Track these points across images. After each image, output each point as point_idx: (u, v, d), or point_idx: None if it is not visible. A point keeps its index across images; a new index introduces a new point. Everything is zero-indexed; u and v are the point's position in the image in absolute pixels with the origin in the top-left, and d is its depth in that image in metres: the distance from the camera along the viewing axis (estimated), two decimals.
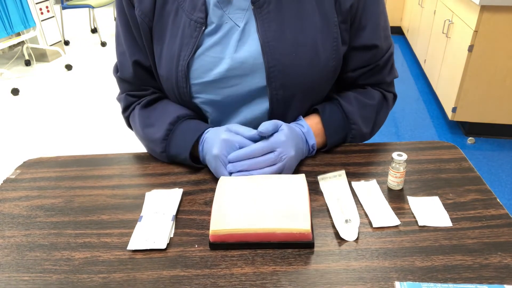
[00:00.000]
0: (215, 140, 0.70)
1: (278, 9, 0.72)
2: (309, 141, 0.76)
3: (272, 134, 0.68)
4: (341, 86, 0.86)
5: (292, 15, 0.72)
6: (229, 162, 0.68)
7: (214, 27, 0.74)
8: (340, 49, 0.76)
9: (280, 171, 0.68)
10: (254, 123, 0.78)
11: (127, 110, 0.86)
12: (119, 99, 0.87)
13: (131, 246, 0.58)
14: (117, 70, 0.86)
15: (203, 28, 0.73)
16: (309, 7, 0.73)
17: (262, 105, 0.77)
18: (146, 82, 0.83)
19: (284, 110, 0.77)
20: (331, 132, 0.78)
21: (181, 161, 0.76)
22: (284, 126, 0.70)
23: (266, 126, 0.67)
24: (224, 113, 0.79)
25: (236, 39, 0.73)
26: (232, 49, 0.73)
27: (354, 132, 0.79)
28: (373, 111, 0.82)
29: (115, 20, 5.64)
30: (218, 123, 0.81)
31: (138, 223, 0.62)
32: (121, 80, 0.85)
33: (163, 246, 0.58)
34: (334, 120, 0.78)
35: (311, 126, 0.77)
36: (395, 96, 0.89)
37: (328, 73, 0.76)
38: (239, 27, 0.73)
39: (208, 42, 0.74)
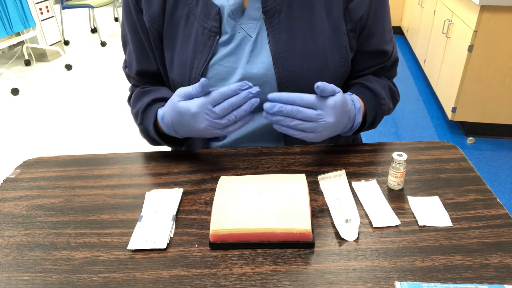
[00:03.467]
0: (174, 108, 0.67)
1: (288, 19, 0.73)
2: (357, 119, 0.74)
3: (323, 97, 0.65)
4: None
5: (302, 25, 0.73)
6: (268, 101, 0.64)
7: (228, 37, 0.74)
8: (349, 56, 0.77)
9: (311, 131, 0.65)
10: (264, 133, 0.78)
11: (130, 98, 0.87)
12: (129, 88, 0.90)
13: (131, 246, 0.58)
14: (125, 65, 0.88)
15: (217, 37, 0.74)
16: (319, 16, 0.73)
17: None
18: (152, 83, 0.85)
19: None
20: (369, 110, 0.77)
21: (153, 137, 0.76)
22: (340, 94, 0.66)
23: (325, 85, 0.64)
24: None
25: (249, 50, 0.74)
26: (245, 60, 0.74)
27: (384, 107, 0.79)
28: (389, 89, 0.82)
29: (115, 20, 5.66)
30: None
31: (138, 223, 0.62)
32: (129, 76, 0.88)
33: (163, 246, 0.58)
34: (368, 98, 0.78)
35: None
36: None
37: (337, 79, 0.77)
38: (252, 37, 0.74)
39: (222, 51, 0.74)
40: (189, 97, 0.66)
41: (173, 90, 0.80)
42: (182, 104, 0.66)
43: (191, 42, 0.75)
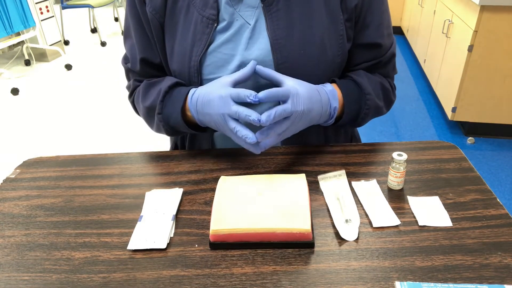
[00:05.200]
0: (212, 98, 0.69)
1: (286, 7, 0.73)
2: (332, 102, 0.74)
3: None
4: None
5: (300, 13, 0.74)
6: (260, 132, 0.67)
7: (226, 25, 0.75)
8: (346, 46, 0.78)
9: (286, 127, 0.67)
10: None
11: (132, 94, 0.87)
12: (127, 86, 0.89)
13: (131, 246, 0.58)
14: (126, 61, 0.87)
15: (215, 25, 0.74)
16: (316, 5, 0.74)
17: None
18: (155, 75, 0.84)
19: None
20: (349, 99, 0.76)
21: (176, 124, 0.75)
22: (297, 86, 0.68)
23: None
24: None
25: (247, 37, 0.75)
26: (243, 46, 0.75)
27: (369, 103, 0.77)
28: (381, 87, 0.82)
29: (115, 20, 5.65)
30: None
31: (138, 223, 0.62)
32: (130, 70, 0.87)
33: (163, 246, 0.58)
34: (349, 88, 0.77)
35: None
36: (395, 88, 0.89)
37: (334, 69, 0.78)
38: (250, 25, 0.75)
39: (220, 39, 0.75)
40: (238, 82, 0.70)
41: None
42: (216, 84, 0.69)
43: (191, 32, 0.76)
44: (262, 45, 0.74)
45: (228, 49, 0.75)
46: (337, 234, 0.59)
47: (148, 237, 0.59)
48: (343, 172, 0.71)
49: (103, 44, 4.49)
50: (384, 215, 0.62)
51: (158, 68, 0.83)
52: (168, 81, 0.78)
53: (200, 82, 0.76)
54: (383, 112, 0.84)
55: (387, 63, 0.84)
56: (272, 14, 0.73)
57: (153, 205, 0.66)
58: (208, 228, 0.60)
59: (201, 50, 0.74)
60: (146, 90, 0.81)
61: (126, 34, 0.85)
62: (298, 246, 0.57)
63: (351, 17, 0.76)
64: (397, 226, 0.60)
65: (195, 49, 0.75)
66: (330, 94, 0.74)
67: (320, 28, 0.74)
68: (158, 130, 0.82)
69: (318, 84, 0.76)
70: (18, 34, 3.58)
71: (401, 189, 0.68)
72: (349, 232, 0.59)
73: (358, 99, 0.77)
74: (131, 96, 0.87)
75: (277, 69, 0.73)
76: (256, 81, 0.76)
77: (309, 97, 0.68)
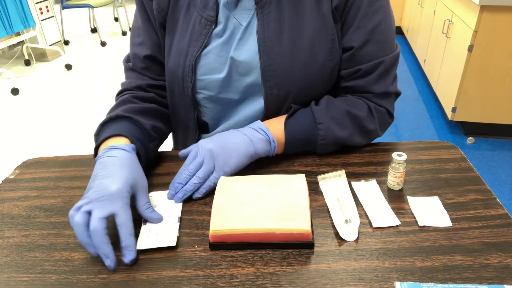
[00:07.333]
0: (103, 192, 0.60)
1: (278, 9, 0.73)
2: (253, 125, 0.73)
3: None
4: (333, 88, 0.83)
5: (292, 16, 0.73)
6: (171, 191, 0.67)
7: (222, 27, 0.75)
8: (337, 50, 0.76)
9: (199, 165, 0.67)
10: (250, 121, 0.78)
11: (120, 94, 0.84)
12: (122, 83, 0.86)
13: (139, 246, 0.57)
14: (127, 60, 0.86)
15: (213, 26, 0.75)
16: (309, 8, 0.73)
17: (257, 103, 0.78)
18: (157, 75, 0.84)
19: (279, 108, 0.77)
20: (292, 127, 0.74)
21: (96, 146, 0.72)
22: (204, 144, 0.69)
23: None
24: (223, 110, 0.81)
25: (238, 38, 0.75)
26: (234, 47, 0.75)
27: (322, 133, 0.73)
28: (346, 115, 0.75)
29: (115, 20, 5.64)
30: (217, 120, 0.83)
31: (143, 226, 0.61)
32: (130, 70, 0.85)
33: (173, 244, 0.57)
34: (298, 119, 0.75)
35: (268, 122, 0.75)
36: (388, 112, 0.81)
37: (324, 74, 0.76)
38: (242, 26, 0.75)
39: (216, 41, 0.75)
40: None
41: (169, 79, 0.80)
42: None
43: (189, 31, 0.76)
44: (251, 47, 0.74)
45: (223, 51, 0.75)
46: (337, 234, 0.59)
47: (156, 237, 0.59)
48: (343, 172, 0.71)
49: (103, 44, 4.49)
50: (384, 215, 0.62)
51: (163, 65, 0.83)
52: (119, 110, 0.74)
53: (194, 82, 0.77)
54: (356, 141, 0.77)
55: (366, 74, 0.76)
56: (264, 15, 0.73)
57: (157, 207, 0.65)
58: (208, 229, 0.60)
59: (197, 51, 0.75)
60: (116, 105, 0.78)
61: (134, 33, 0.84)
62: (298, 247, 0.57)
63: (337, 19, 0.74)
64: (397, 226, 0.60)
65: (191, 49, 0.75)
66: (258, 125, 0.73)
67: (310, 31, 0.73)
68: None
69: (307, 88, 0.75)
70: (18, 34, 3.58)
71: (401, 189, 0.68)
72: (349, 232, 0.59)
73: (306, 127, 0.74)
74: (118, 94, 0.84)
75: (263, 71, 0.73)
76: (243, 83, 0.76)
77: (217, 135, 0.71)
